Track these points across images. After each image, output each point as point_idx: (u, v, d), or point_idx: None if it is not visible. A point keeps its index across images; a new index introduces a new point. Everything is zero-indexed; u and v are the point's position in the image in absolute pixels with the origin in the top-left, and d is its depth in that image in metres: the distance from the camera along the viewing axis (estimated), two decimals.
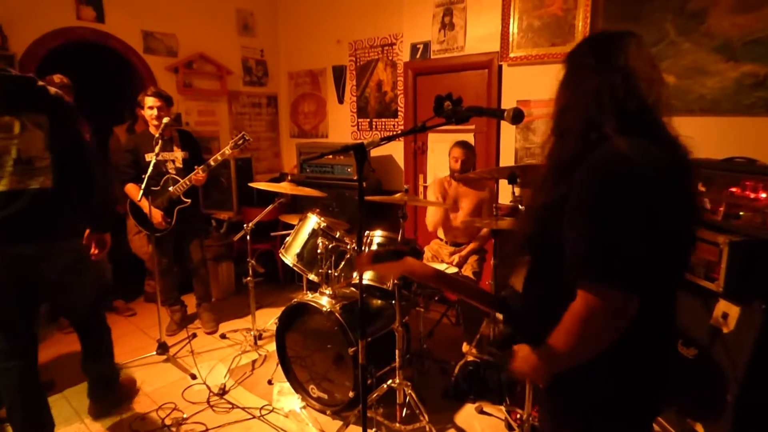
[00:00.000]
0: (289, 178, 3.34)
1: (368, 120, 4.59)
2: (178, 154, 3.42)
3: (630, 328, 0.96)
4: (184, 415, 2.60)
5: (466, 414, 2.60)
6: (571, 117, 1.07)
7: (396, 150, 4.37)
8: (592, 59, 1.07)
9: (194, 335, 3.60)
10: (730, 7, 2.66)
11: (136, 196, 3.30)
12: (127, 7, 4.05)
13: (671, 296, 1.10)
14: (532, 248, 1.14)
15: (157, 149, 3.03)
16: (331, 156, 1.77)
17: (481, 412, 2.59)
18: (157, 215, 3.31)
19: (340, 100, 4.80)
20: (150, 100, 3.28)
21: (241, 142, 3.16)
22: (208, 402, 2.73)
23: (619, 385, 1.06)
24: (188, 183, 3.31)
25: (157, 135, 3.05)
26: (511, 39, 3.48)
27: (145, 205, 3.21)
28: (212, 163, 3.26)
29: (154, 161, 3.00)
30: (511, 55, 3.50)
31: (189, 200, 3.37)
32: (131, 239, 4.07)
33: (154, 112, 3.29)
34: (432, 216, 3.36)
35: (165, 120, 3.11)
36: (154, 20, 4.23)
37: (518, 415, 2.36)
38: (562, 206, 1.00)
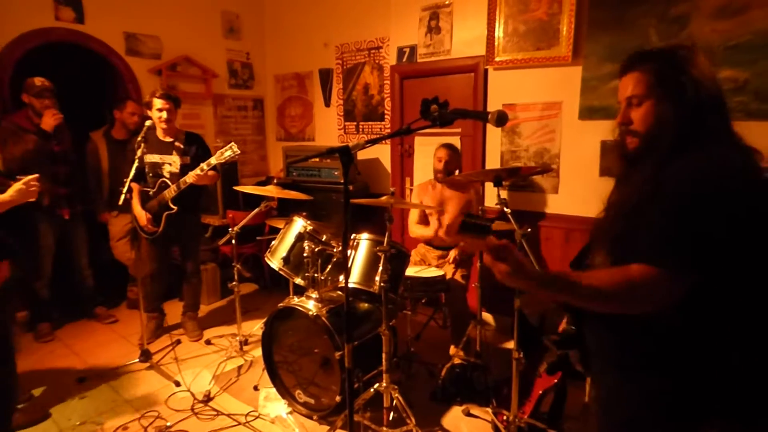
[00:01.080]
0: (275, 181, 3.31)
1: (355, 123, 4.59)
2: (176, 159, 3.34)
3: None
4: (168, 423, 2.56)
5: (453, 416, 2.60)
6: (663, 127, 1.11)
7: (383, 153, 4.37)
8: (679, 73, 1.11)
9: (178, 341, 3.55)
10: (711, 13, 2.71)
11: (135, 200, 3.26)
12: (109, 8, 3.99)
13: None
14: (616, 247, 1.15)
15: (139, 152, 2.98)
16: (317, 159, 1.76)
17: (468, 414, 2.59)
18: (142, 217, 3.25)
19: (327, 104, 4.79)
20: (159, 102, 3.22)
21: (228, 153, 3.03)
22: (192, 409, 2.69)
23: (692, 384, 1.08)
24: (177, 189, 3.24)
25: (139, 138, 3.00)
26: (496, 43, 3.51)
27: (134, 206, 3.16)
28: (204, 167, 3.15)
29: (135, 164, 2.95)
30: (497, 58, 3.52)
31: (176, 207, 3.27)
32: (114, 245, 4.00)
33: (164, 114, 3.23)
34: (415, 227, 3.37)
35: (147, 123, 3.07)
36: (136, 21, 4.18)
37: (505, 417, 2.36)
38: (648, 206, 1.06)
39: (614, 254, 1.13)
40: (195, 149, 3.40)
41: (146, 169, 3.33)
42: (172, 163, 3.33)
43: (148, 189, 3.34)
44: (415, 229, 3.40)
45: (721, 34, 2.68)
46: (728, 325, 1.05)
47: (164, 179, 3.31)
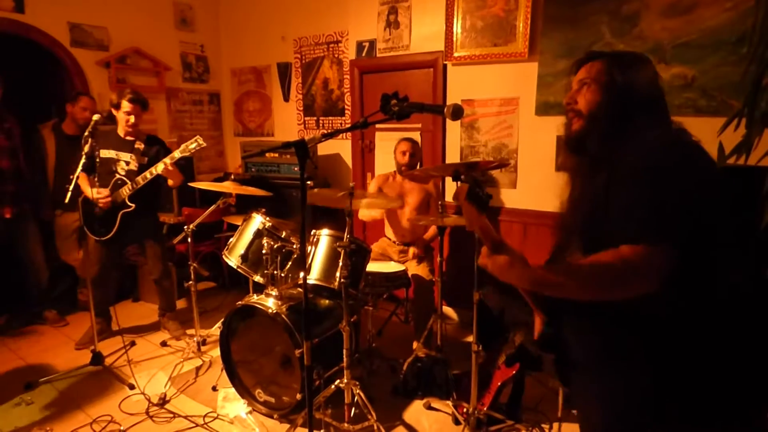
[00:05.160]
0: (232, 177, 3.23)
1: (315, 118, 4.53)
2: (135, 157, 3.21)
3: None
4: (121, 428, 2.46)
5: (415, 410, 2.62)
6: (602, 109, 1.21)
7: (344, 148, 4.34)
8: (618, 69, 1.22)
9: (133, 343, 3.42)
10: (660, 11, 2.81)
11: (85, 187, 3.10)
12: None
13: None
14: (588, 240, 1.17)
15: (86, 148, 2.84)
16: (276, 154, 1.72)
17: (429, 407, 2.61)
18: (101, 194, 3.12)
19: (286, 98, 4.71)
20: (127, 105, 3.12)
21: (193, 145, 3.00)
22: (147, 412, 2.60)
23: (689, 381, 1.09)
24: (137, 184, 3.12)
25: (86, 134, 2.87)
26: (455, 39, 3.53)
27: (83, 186, 3.04)
28: (176, 156, 3.06)
29: (83, 160, 2.82)
30: (456, 54, 3.55)
31: (133, 205, 3.16)
32: (60, 245, 3.81)
33: (132, 118, 3.14)
34: (363, 211, 3.33)
35: (95, 117, 2.93)
36: (81, 11, 3.98)
37: (465, 409, 2.39)
38: (606, 191, 1.11)
39: (589, 247, 1.14)
40: (156, 151, 3.30)
41: (99, 166, 3.19)
42: (129, 161, 3.21)
43: (103, 188, 3.20)
44: (363, 212, 3.34)
45: (670, 32, 2.78)
46: (709, 312, 1.07)
47: (120, 177, 3.18)
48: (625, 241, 1.04)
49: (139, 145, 3.25)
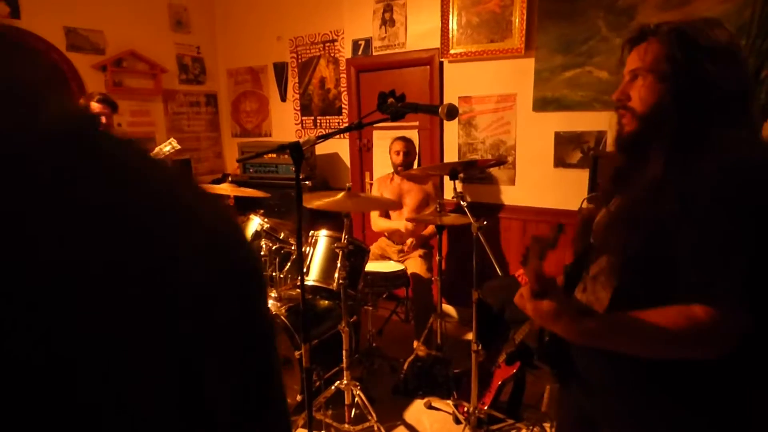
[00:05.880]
0: (230, 179, 3.21)
1: (312, 118, 4.52)
2: None
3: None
4: None
5: (415, 410, 2.61)
6: (666, 111, 0.94)
7: (342, 148, 4.33)
8: (681, 53, 0.93)
9: None
10: (656, 3, 2.78)
11: None
12: (46, 1, 3.77)
13: None
14: (635, 265, 0.96)
15: None
16: (274, 155, 1.72)
17: (430, 407, 2.60)
18: None
19: (283, 98, 4.70)
20: (96, 107, 3.08)
21: (167, 148, 2.96)
22: None
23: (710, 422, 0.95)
24: None
25: None
26: (451, 35, 3.51)
27: None
28: None
29: None
30: (452, 51, 3.53)
31: None
32: None
33: (102, 119, 3.09)
34: (379, 220, 3.37)
35: None
36: (77, 16, 3.96)
37: (465, 408, 2.38)
38: (674, 222, 0.87)
39: (625, 271, 0.97)
40: None
41: None
42: None
43: None
44: (380, 223, 3.38)
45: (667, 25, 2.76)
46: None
47: None
48: (697, 297, 0.84)
49: None
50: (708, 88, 0.90)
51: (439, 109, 1.52)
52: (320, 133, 4.42)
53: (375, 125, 1.70)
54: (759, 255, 0.80)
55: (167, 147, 2.94)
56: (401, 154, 3.26)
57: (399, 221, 3.30)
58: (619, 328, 0.91)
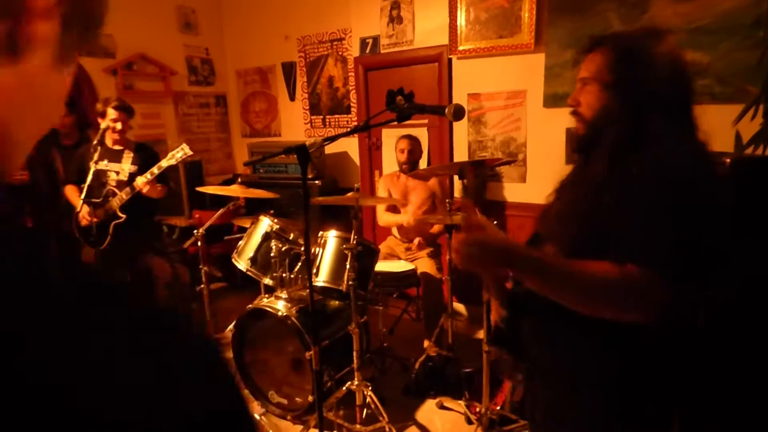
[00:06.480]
0: (239, 180, 3.23)
1: (321, 117, 4.52)
2: (125, 167, 3.20)
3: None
4: None
5: (427, 410, 2.61)
6: (609, 119, 1.04)
7: (351, 146, 4.32)
8: (620, 52, 1.04)
9: None
10: None
11: (73, 197, 3.11)
12: None
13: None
14: (572, 247, 1.05)
15: (95, 156, 2.87)
16: (284, 155, 1.73)
17: (442, 407, 2.60)
18: (83, 211, 3.04)
19: (292, 98, 4.70)
20: (113, 113, 3.06)
21: (179, 154, 2.95)
22: None
23: (645, 397, 1.03)
24: (126, 195, 3.11)
25: (95, 141, 2.89)
26: (459, 32, 3.48)
27: (72, 197, 3.04)
28: (155, 171, 3.05)
29: (93, 169, 2.85)
30: (460, 48, 3.50)
31: (124, 216, 3.13)
32: (84, 250, 3.87)
33: (118, 125, 3.08)
34: (385, 215, 3.35)
35: (104, 125, 2.95)
36: None
37: (477, 409, 2.37)
38: (612, 210, 0.96)
39: (570, 253, 1.04)
40: (145, 158, 3.27)
41: (91, 178, 3.18)
42: (119, 171, 3.20)
43: (94, 199, 3.19)
44: (385, 217, 3.37)
45: (682, 17, 2.68)
46: (691, 333, 1.02)
47: (111, 188, 3.18)
48: (630, 259, 0.91)
49: (128, 155, 3.20)
50: (648, 96, 0.99)
51: (446, 110, 1.51)
52: (329, 132, 4.44)
53: (382, 125, 1.69)
54: (683, 235, 0.90)
55: (179, 153, 2.93)
56: (406, 152, 3.25)
57: (403, 215, 3.29)
58: (555, 264, 0.98)
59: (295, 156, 3.93)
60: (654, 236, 0.91)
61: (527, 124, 3.35)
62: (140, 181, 3.00)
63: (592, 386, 1.05)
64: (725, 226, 0.94)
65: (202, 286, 3.26)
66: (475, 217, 1.14)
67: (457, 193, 3.61)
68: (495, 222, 2.09)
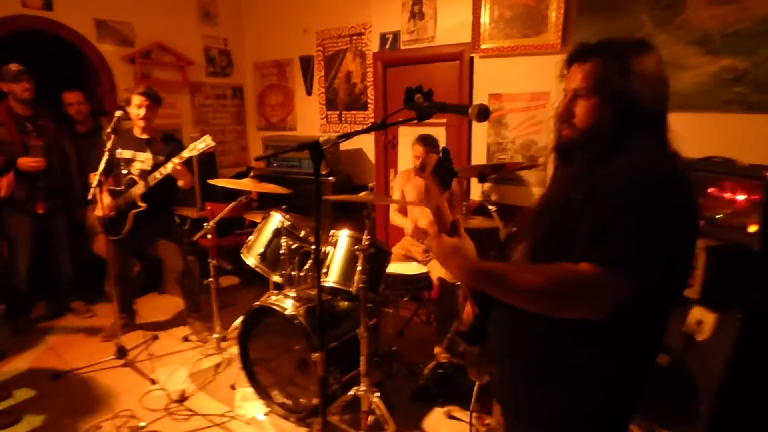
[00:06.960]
0: (252, 174, 3.18)
1: (337, 112, 4.46)
2: (149, 156, 3.19)
3: (633, 341, 1.03)
4: (141, 423, 2.47)
5: (434, 418, 2.53)
6: (602, 128, 1.07)
7: (366, 144, 4.25)
8: (615, 64, 1.06)
9: (155, 337, 3.45)
10: None
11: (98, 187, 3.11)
12: None
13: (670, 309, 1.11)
14: (540, 244, 1.10)
15: (109, 144, 2.84)
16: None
17: (450, 416, 2.52)
18: (106, 201, 3.05)
19: (308, 92, 4.65)
20: (138, 99, 3.08)
21: (202, 145, 2.94)
22: (166, 409, 2.60)
23: (608, 395, 1.07)
24: (152, 181, 3.09)
25: (109, 130, 2.86)
26: (482, 30, 3.39)
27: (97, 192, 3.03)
28: (177, 161, 3.03)
29: (105, 157, 2.82)
30: (483, 46, 3.41)
31: (144, 205, 3.13)
32: (96, 239, 3.87)
33: (141, 111, 3.09)
34: (395, 215, 3.29)
35: (118, 113, 2.92)
36: (107, 8, 4.00)
37: (486, 421, 2.30)
38: (582, 206, 1.01)
39: (537, 251, 1.09)
40: (171, 148, 3.25)
41: (115, 165, 3.18)
42: (144, 160, 3.19)
43: (116, 187, 3.19)
44: (395, 217, 3.32)
45: (719, 20, 2.55)
46: (651, 332, 1.07)
47: (132, 176, 3.16)
48: (585, 258, 0.95)
49: (155, 144, 3.22)
50: (638, 108, 1.03)
51: (469, 110, 1.42)
52: (345, 128, 4.36)
53: (400, 124, 1.62)
54: (641, 231, 0.93)
55: (202, 144, 2.92)
56: (420, 159, 3.17)
57: (406, 221, 3.22)
58: (510, 272, 1.01)
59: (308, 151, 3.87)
60: (610, 239, 0.94)
61: (549, 127, 3.25)
62: (169, 167, 3.00)
63: (557, 383, 1.08)
64: (691, 234, 1.01)
65: (210, 279, 3.22)
66: (444, 206, 1.19)
67: (474, 195, 3.52)
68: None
